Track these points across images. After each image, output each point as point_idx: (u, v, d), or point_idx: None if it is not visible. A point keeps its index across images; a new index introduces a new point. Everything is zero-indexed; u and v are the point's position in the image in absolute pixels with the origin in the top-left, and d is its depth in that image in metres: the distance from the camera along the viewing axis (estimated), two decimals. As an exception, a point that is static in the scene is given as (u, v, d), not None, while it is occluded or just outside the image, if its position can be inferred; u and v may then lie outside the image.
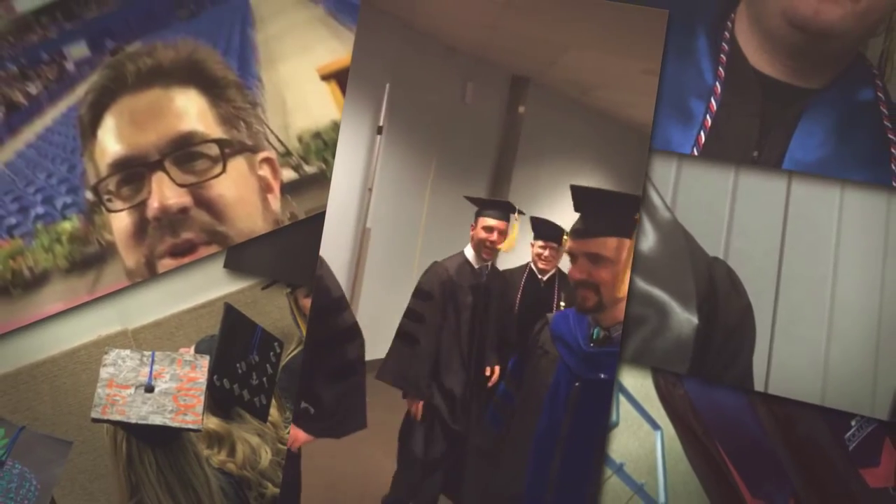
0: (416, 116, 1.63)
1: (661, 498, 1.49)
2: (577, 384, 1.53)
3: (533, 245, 1.60)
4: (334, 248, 1.58)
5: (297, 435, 1.54)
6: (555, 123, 1.62)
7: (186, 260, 1.58)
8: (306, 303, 1.56)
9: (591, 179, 1.58)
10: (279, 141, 1.63)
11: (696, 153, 1.53)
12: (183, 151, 1.57)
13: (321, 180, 1.60)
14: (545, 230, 1.59)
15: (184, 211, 1.56)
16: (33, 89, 1.72)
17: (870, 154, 1.50)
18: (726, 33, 1.56)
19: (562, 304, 1.59)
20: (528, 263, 1.61)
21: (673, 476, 1.49)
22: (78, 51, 1.71)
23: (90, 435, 1.54)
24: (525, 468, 1.52)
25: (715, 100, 1.54)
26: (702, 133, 1.53)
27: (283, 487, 1.51)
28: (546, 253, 1.59)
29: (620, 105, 1.59)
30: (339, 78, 1.62)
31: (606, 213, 1.54)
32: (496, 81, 1.63)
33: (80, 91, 1.65)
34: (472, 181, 1.62)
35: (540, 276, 1.61)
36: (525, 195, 1.60)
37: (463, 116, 1.63)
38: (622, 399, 1.51)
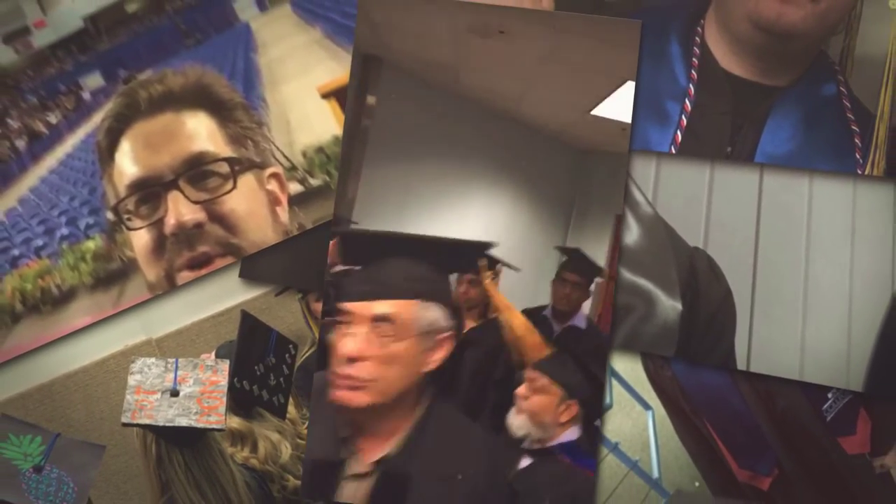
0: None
1: (655, 473, 1.51)
2: None
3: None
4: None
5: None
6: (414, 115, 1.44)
7: (204, 272, 1.60)
8: (317, 307, 1.58)
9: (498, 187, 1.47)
10: (285, 157, 1.65)
11: (673, 151, 1.56)
12: (196, 170, 1.60)
13: (326, 191, 1.62)
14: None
15: (199, 226, 1.59)
16: (53, 119, 1.74)
17: (835, 145, 1.53)
18: (697, 38, 1.59)
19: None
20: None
21: (665, 452, 1.52)
22: (93, 81, 1.73)
23: (121, 439, 1.56)
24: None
25: (689, 101, 1.56)
26: (678, 132, 1.56)
27: (304, 478, 1.52)
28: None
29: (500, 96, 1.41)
30: (338, 95, 1.64)
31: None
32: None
33: (97, 118, 1.67)
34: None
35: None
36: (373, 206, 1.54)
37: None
38: (615, 382, 1.53)
